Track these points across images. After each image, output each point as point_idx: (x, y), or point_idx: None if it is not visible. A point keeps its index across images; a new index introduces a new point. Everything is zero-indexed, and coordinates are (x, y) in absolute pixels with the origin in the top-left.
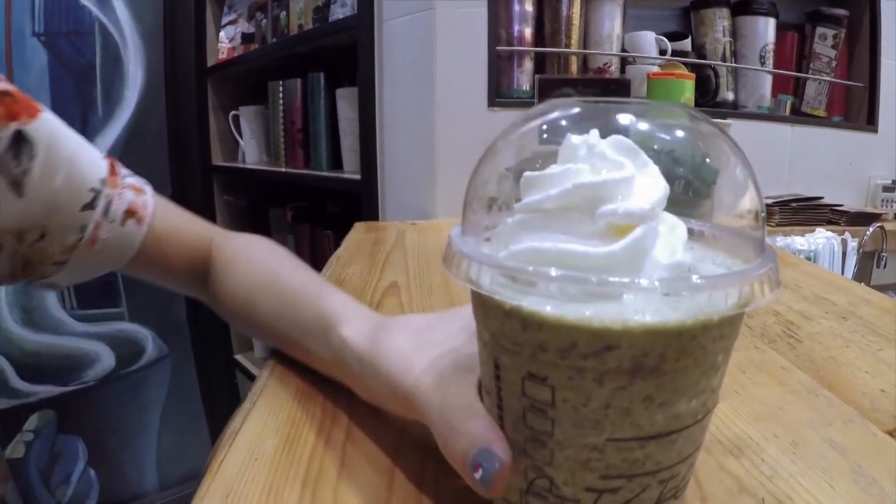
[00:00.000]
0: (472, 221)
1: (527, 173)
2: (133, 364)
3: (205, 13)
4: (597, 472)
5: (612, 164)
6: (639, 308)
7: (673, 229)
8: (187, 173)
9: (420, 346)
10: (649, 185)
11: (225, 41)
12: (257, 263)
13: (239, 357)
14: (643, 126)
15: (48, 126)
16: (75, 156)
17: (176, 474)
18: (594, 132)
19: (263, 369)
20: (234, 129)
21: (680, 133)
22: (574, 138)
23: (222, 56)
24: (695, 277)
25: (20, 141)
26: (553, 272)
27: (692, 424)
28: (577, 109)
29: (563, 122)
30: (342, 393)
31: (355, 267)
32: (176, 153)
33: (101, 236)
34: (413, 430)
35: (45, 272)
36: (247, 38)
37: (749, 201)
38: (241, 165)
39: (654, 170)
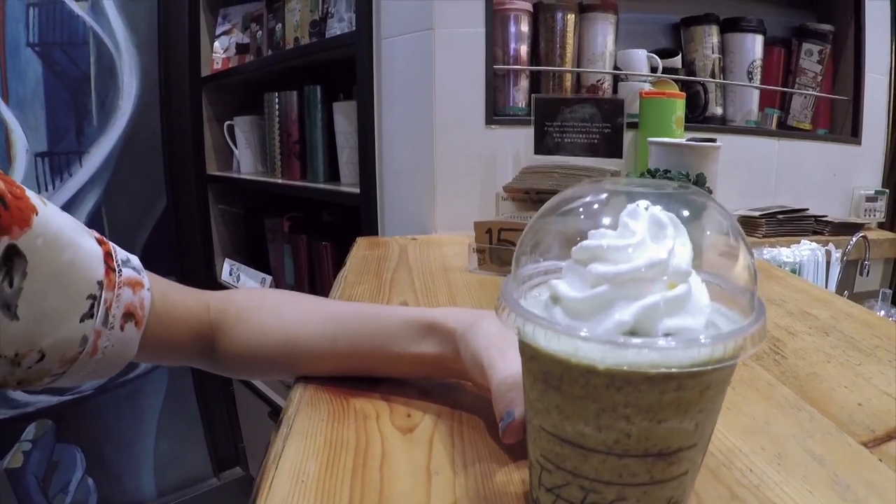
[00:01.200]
0: (519, 273)
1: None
2: (130, 372)
3: (199, 23)
4: (539, 448)
5: (628, 233)
6: (581, 346)
7: (670, 292)
8: (182, 182)
9: (502, 332)
10: (647, 253)
11: (220, 51)
12: (282, 304)
13: None
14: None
15: (42, 232)
16: (72, 262)
17: (173, 481)
18: (629, 206)
19: (292, 393)
20: (228, 139)
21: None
22: (628, 208)
23: (217, 66)
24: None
25: (12, 257)
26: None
27: (604, 452)
28: (603, 195)
29: (594, 206)
30: (371, 417)
31: (364, 286)
32: (171, 162)
33: (101, 345)
34: (443, 445)
35: (40, 384)
36: (241, 48)
37: (742, 262)
38: (236, 175)
39: (667, 242)
